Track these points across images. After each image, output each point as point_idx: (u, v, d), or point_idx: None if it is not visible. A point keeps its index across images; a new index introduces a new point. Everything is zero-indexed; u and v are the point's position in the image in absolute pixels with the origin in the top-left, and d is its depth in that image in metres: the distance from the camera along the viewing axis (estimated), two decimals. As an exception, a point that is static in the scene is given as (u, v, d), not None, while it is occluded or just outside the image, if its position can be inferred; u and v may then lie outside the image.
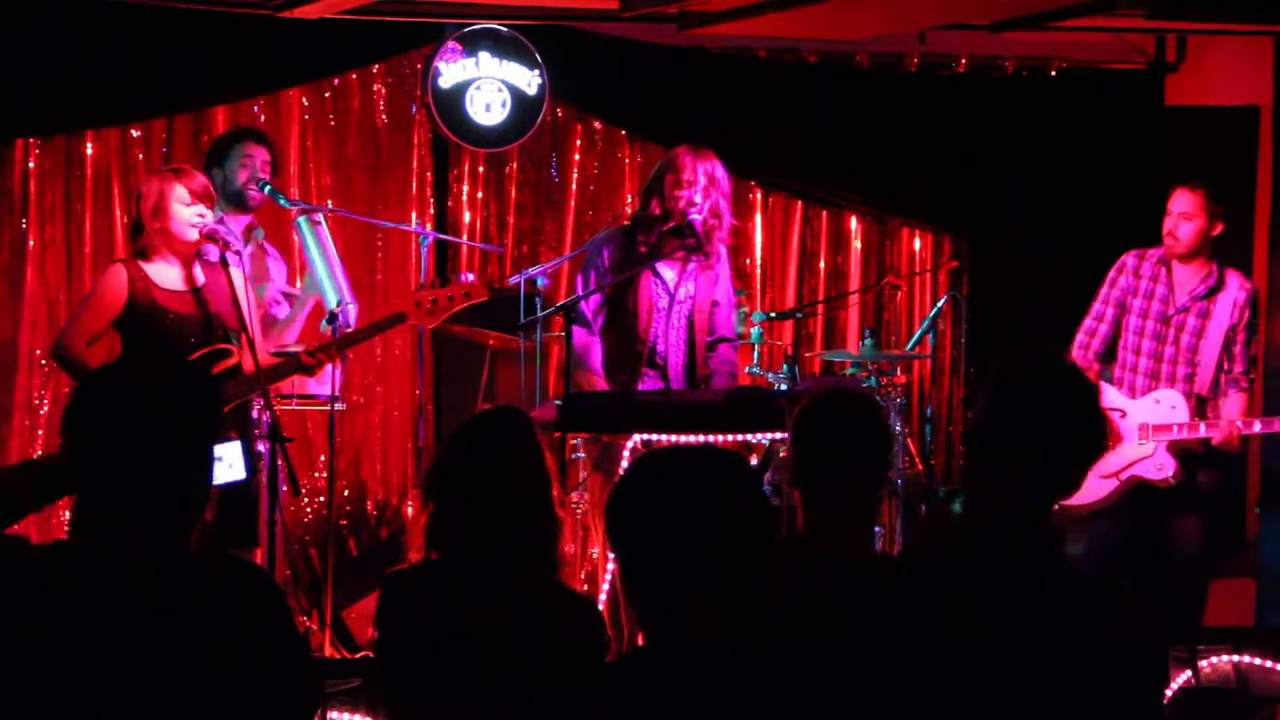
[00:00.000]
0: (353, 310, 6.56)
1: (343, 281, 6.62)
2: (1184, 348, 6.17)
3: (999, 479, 2.84)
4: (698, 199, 6.06)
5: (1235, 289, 6.16)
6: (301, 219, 6.69)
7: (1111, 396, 6.33)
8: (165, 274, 5.61)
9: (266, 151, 6.56)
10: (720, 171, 6.14)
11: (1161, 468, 6.20)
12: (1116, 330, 6.33)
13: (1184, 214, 6.11)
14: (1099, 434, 2.95)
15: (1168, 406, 6.19)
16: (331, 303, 6.47)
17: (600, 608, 5.03)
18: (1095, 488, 6.29)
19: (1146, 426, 6.18)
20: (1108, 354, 6.39)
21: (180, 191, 5.54)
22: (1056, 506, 6.64)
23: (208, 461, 2.64)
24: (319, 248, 6.65)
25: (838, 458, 3.63)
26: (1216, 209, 6.12)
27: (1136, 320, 6.25)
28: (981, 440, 2.90)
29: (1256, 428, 6.12)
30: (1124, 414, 6.26)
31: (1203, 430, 6.09)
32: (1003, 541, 2.78)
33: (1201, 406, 6.18)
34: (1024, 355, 2.99)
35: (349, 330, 6.06)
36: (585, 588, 6.20)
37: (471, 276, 5.87)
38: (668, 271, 6.18)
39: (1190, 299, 6.16)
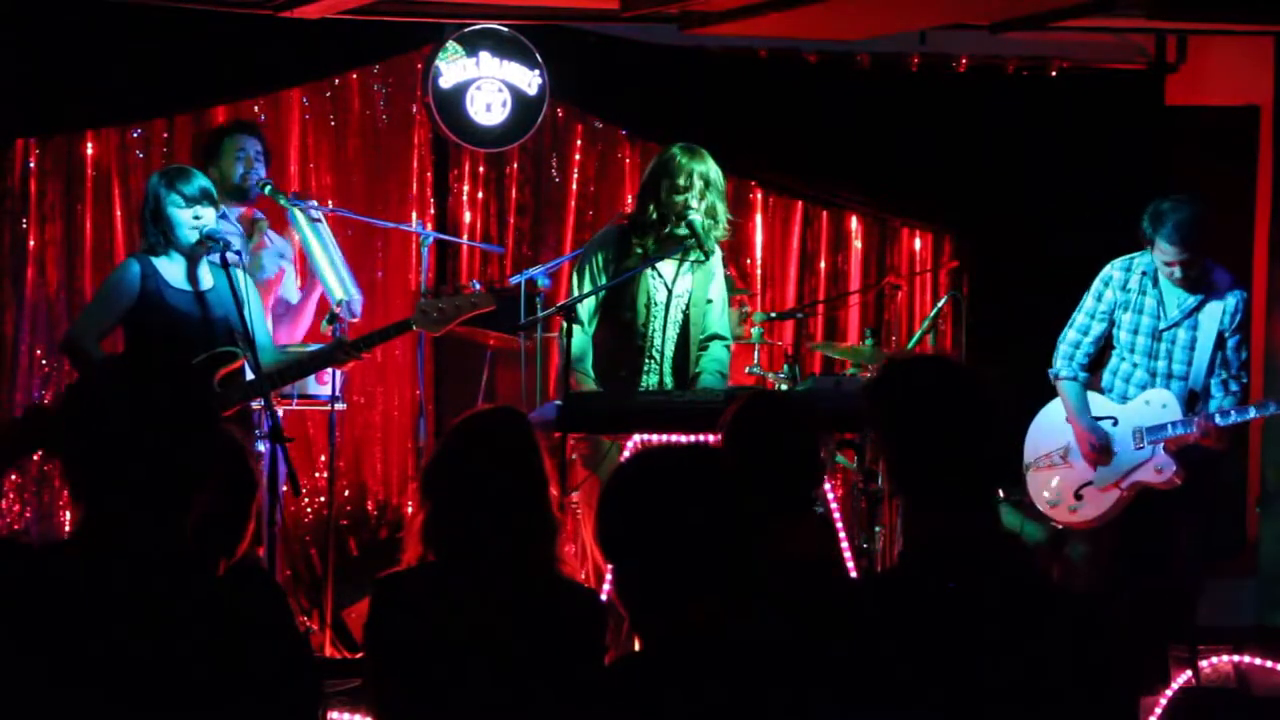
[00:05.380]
0: (358, 303, 6.55)
1: (346, 275, 6.62)
2: (1176, 360, 6.13)
3: (930, 494, 2.78)
4: (694, 201, 6.05)
5: (1224, 293, 6.11)
6: (299, 216, 6.68)
7: (1100, 405, 6.28)
8: (173, 272, 5.61)
9: (258, 141, 6.55)
10: (715, 171, 6.13)
11: (1162, 469, 6.13)
12: (1102, 340, 6.29)
13: (1184, 262, 6.03)
14: (993, 416, 2.82)
15: (1158, 406, 6.13)
16: (335, 298, 6.47)
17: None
18: (1098, 501, 6.24)
19: (1140, 431, 6.14)
20: (1092, 363, 6.34)
21: (175, 197, 5.55)
22: (1060, 525, 6.55)
23: (205, 453, 2.64)
24: (319, 244, 6.64)
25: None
26: (1211, 235, 6.05)
27: (1127, 335, 6.20)
28: (899, 467, 2.81)
29: (1233, 418, 6.05)
30: (1115, 421, 6.22)
31: (1192, 427, 6.03)
32: (963, 550, 2.73)
33: (1194, 402, 6.14)
34: (890, 370, 2.92)
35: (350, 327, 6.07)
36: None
37: (479, 285, 5.87)
38: (665, 266, 6.17)
39: (1180, 313, 6.12)
